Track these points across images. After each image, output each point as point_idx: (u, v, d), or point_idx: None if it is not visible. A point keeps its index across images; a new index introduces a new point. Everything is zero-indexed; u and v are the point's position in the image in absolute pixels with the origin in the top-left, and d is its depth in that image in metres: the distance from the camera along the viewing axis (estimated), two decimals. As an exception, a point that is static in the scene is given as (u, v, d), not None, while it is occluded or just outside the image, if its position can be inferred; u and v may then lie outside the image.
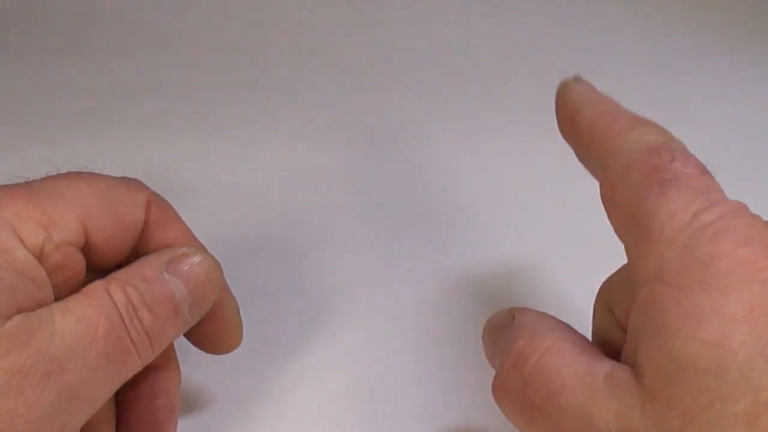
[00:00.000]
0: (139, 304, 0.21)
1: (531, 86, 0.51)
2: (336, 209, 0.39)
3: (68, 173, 0.24)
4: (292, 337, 0.32)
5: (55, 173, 0.24)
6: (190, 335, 0.25)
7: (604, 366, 0.19)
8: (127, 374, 0.22)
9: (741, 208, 0.19)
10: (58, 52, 0.53)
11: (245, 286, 0.34)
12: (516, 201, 0.40)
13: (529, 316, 0.22)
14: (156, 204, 0.24)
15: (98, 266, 0.23)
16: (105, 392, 0.21)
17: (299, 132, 0.45)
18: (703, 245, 0.18)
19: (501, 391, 0.21)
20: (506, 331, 0.22)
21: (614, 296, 0.22)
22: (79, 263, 0.22)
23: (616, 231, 0.21)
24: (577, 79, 0.25)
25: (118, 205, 0.23)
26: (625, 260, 0.21)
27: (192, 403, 0.29)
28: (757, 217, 0.19)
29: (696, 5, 0.61)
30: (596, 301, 0.24)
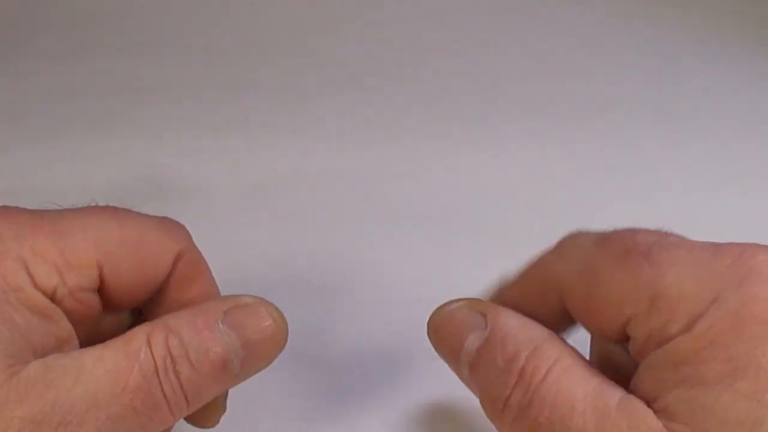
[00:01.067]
0: (179, 357, 0.20)
1: (531, 86, 0.51)
2: (336, 209, 0.39)
3: (102, 209, 0.22)
4: (292, 336, 0.32)
5: (89, 205, 0.22)
6: None
7: (615, 393, 0.19)
8: (157, 427, 0.20)
9: (748, 248, 0.19)
10: (57, 52, 0.53)
11: (244, 285, 0.34)
12: (516, 200, 0.40)
13: (512, 320, 0.21)
14: (188, 258, 0.23)
15: (112, 306, 0.22)
16: None
17: (299, 132, 0.45)
18: (731, 294, 0.18)
19: (501, 411, 0.20)
20: (479, 333, 0.21)
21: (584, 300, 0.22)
22: (93, 305, 0.21)
23: (601, 327, 0.20)
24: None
25: (143, 253, 0.22)
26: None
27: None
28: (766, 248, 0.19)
29: (696, 5, 0.62)
30: (532, 289, 0.23)
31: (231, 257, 0.36)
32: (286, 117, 0.47)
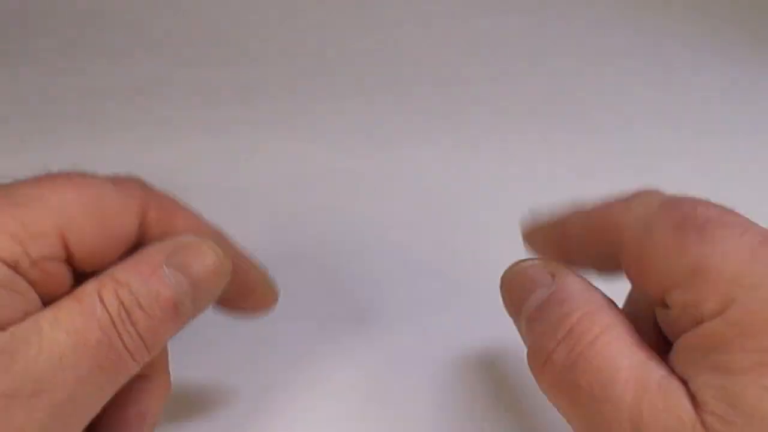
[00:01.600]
0: (132, 306, 0.20)
1: (531, 86, 0.51)
2: (336, 209, 0.39)
3: (56, 176, 0.22)
4: (291, 337, 0.32)
5: (44, 173, 0.23)
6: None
7: (659, 370, 0.19)
8: (123, 379, 0.21)
9: None
10: (58, 52, 0.53)
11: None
12: (516, 200, 0.40)
13: (577, 284, 0.21)
14: (155, 205, 0.23)
15: (87, 270, 0.22)
16: (100, 400, 0.21)
17: (299, 132, 0.45)
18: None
19: (543, 364, 0.20)
20: (544, 290, 0.22)
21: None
22: (60, 275, 0.21)
23: (646, 288, 0.20)
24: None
25: (106, 214, 0.22)
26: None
27: (191, 403, 0.29)
28: None
29: (696, 5, 0.61)
30: (630, 293, 0.24)
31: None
32: (286, 117, 0.47)
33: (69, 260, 0.21)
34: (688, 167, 0.43)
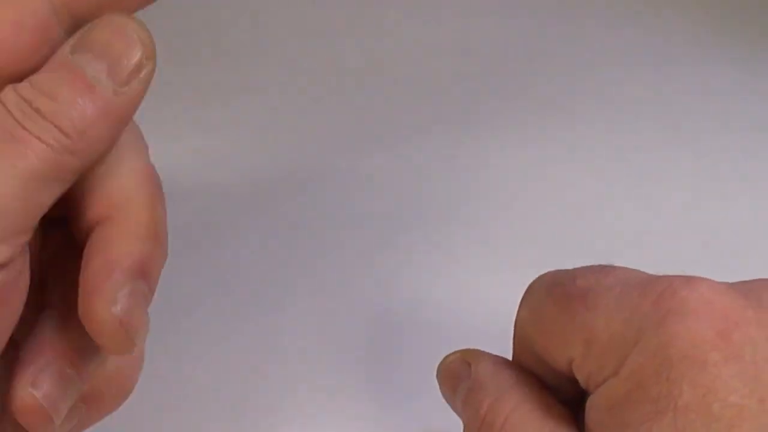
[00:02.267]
0: (32, 96, 0.18)
1: (531, 86, 0.51)
2: (336, 209, 0.39)
3: None
4: (291, 337, 0.32)
5: None
6: None
7: None
8: (47, 166, 0.18)
9: (673, 282, 0.19)
10: (58, 52, 0.53)
11: (244, 285, 0.34)
12: (516, 200, 0.40)
13: (486, 368, 0.23)
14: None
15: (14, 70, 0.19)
16: (40, 201, 0.18)
17: (299, 132, 0.45)
18: (651, 335, 0.18)
19: None
20: (464, 382, 0.23)
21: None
22: None
23: (553, 365, 0.21)
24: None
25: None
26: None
27: (190, 401, 0.29)
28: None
29: (696, 5, 0.61)
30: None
31: (230, 257, 0.36)
32: (286, 117, 0.47)
33: None
34: (688, 167, 0.43)
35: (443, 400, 0.29)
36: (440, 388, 0.25)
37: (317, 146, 0.44)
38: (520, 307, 0.23)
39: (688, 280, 0.19)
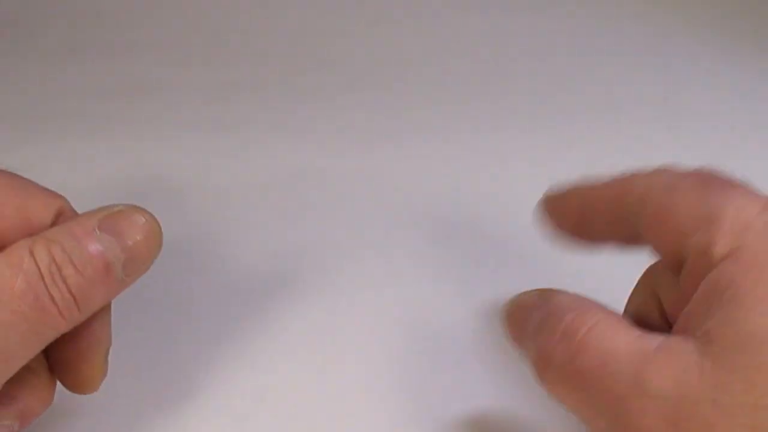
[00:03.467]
0: (63, 262, 0.21)
1: (531, 86, 0.51)
2: (336, 209, 0.39)
3: None
4: (291, 336, 0.32)
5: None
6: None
7: (656, 338, 0.20)
8: (51, 334, 0.21)
9: None
10: (58, 52, 0.53)
11: (244, 285, 0.34)
12: (516, 200, 0.40)
13: (569, 296, 0.23)
14: (68, 216, 0.24)
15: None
16: (25, 351, 0.21)
17: (299, 132, 0.45)
18: None
19: (546, 365, 0.21)
20: (540, 310, 0.22)
21: (662, 283, 0.23)
22: None
23: (664, 242, 0.22)
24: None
25: (28, 202, 0.23)
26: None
27: (190, 401, 0.29)
28: None
29: (696, 5, 0.61)
30: (639, 284, 0.25)
31: (230, 257, 0.36)
32: (286, 117, 0.47)
33: None
34: (689, 167, 0.43)
35: (444, 399, 0.29)
36: (507, 323, 0.24)
37: (317, 146, 0.44)
38: (642, 174, 0.24)
39: None
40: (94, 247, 0.22)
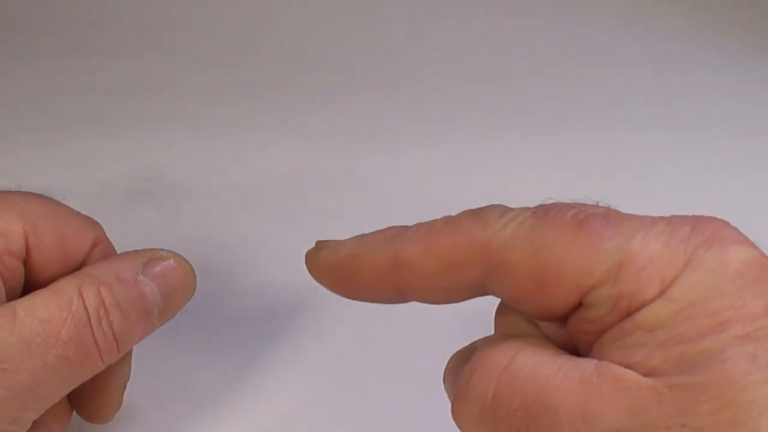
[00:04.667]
0: (111, 306, 0.21)
1: (531, 86, 0.51)
2: (336, 209, 0.39)
3: (29, 192, 0.24)
4: (291, 336, 0.32)
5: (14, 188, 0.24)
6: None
7: (590, 362, 0.18)
8: (88, 374, 0.22)
9: (699, 218, 0.19)
10: (58, 52, 0.53)
11: (244, 285, 0.34)
12: (516, 200, 0.40)
13: (492, 337, 0.21)
14: (103, 246, 0.24)
15: (32, 281, 0.23)
16: (61, 391, 0.21)
17: (299, 132, 0.45)
18: (704, 256, 0.17)
19: (461, 408, 0.19)
20: (462, 352, 0.22)
21: (521, 326, 0.21)
22: (18, 274, 0.22)
23: (550, 300, 0.19)
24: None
25: (66, 231, 0.23)
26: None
27: (189, 401, 0.29)
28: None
29: (696, 5, 0.61)
30: (503, 322, 0.22)
31: (230, 257, 0.36)
32: (285, 117, 0.47)
33: (25, 264, 0.22)
34: (689, 167, 0.43)
35: (445, 399, 0.29)
36: (445, 382, 0.23)
37: (317, 146, 0.44)
38: (475, 227, 0.20)
39: (710, 217, 0.18)
40: (138, 293, 0.22)
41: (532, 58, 0.55)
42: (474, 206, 0.39)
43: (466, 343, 0.24)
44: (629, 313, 0.18)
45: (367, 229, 0.38)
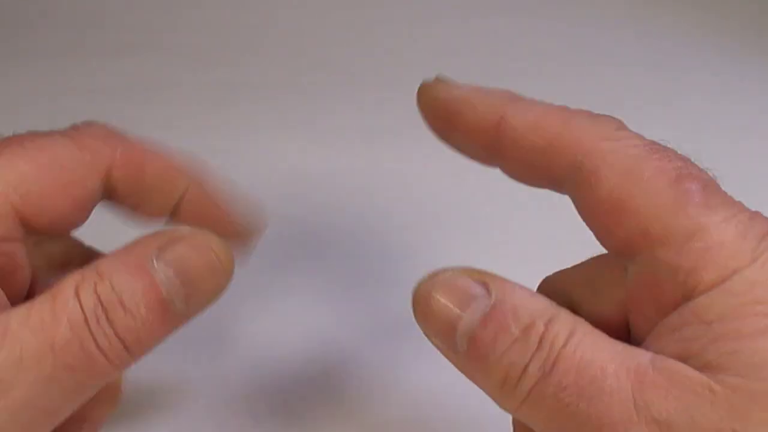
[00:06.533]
0: (110, 303, 0.18)
1: (531, 87, 0.51)
2: (336, 209, 0.39)
3: (8, 142, 0.21)
4: (291, 337, 0.32)
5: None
6: None
7: (645, 354, 0.17)
8: (100, 382, 0.19)
9: None
10: (58, 53, 0.53)
11: (243, 286, 0.34)
12: (516, 200, 0.40)
13: (518, 291, 0.19)
14: (122, 158, 0.22)
15: (54, 234, 0.21)
16: (71, 403, 0.19)
17: (299, 132, 0.45)
18: None
19: (516, 380, 0.18)
20: (482, 302, 0.18)
21: (583, 294, 0.21)
22: (20, 255, 0.20)
23: (615, 234, 0.19)
24: (439, 78, 0.22)
25: (66, 179, 0.20)
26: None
27: (189, 401, 0.29)
28: None
29: (696, 5, 0.61)
30: (544, 288, 0.22)
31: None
32: (285, 117, 0.47)
33: (30, 231, 0.20)
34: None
35: (445, 399, 0.29)
36: (425, 314, 0.20)
37: (317, 146, 0.44)
38: (579, 122, 0.20)
39: None
40: (149, 285, 0.19)
41: (532, 58, 0.55)
42: (474, 206, 0.39)
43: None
44: (685, 294, 0.17)
45: (367, 229, 0.38)
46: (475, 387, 0.30)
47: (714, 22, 0.60)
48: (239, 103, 0.48)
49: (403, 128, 0.46)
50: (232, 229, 0.24)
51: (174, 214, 0.23)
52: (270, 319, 0.33)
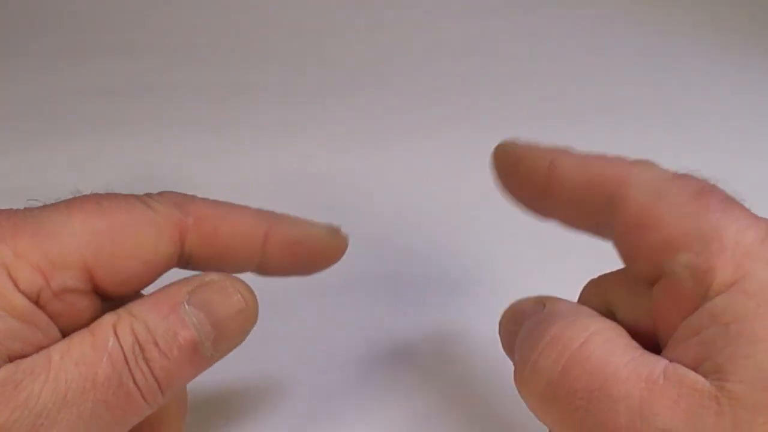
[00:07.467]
0: (146, 343, 0.19)
1: (531, 87, 0.51)
2: (336, 210, 0.39)
3: (84, 200, 0.21)
4: (291, 337, 0.32)
5: (72, 196, 0.21)
6: None
7: (660, 362, 0.18)
8: (133, 419, 0.20)
9: None
10: (58, 53, 0.53)
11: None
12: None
13: (565, 304, 0.21)
14: (196, 223, 0.22)
15: (123, 296, 0.21)
16: None
17: (299, 132, 0.45)
18: None
19: (529, 377, 0.19)
20: (534, 317, 0.21)
21: (619, 295, 0.22)
22: (84, 307, 0.20)
23: (642, 251, 0.20)
24: (513, 141, 0.24)
25: (138, 242, 0.21)
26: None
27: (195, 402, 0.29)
28: None
29: (696, 4, 0.61)
30: (586, 294, 0.23)
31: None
32: (286, 117, 0.47)
33: (96, 290, 0.20)
34: (689, 167, 0.43)
35: (445, 399, 0.29)
36: (501, 330, 0.23)
37: (317, 146, 0.44)
38: (618, 162, 0.21)
39: None
40: (180, 327, 0.20)
41: (531, 58, 0.55)
42: (474, 206, 0.39)
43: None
44: (702, 294, 0.18)
45: (368, 229, 0.38)
46: (475, 387, 0.30)
47: (714, 20, 0.60)
48: (239, 104, 0.48)
49: (403, 128, 0.47)
50: (323, 255, 0.26)
51: (261, 265, 0.24)
52: (270, 319, 0.33)
